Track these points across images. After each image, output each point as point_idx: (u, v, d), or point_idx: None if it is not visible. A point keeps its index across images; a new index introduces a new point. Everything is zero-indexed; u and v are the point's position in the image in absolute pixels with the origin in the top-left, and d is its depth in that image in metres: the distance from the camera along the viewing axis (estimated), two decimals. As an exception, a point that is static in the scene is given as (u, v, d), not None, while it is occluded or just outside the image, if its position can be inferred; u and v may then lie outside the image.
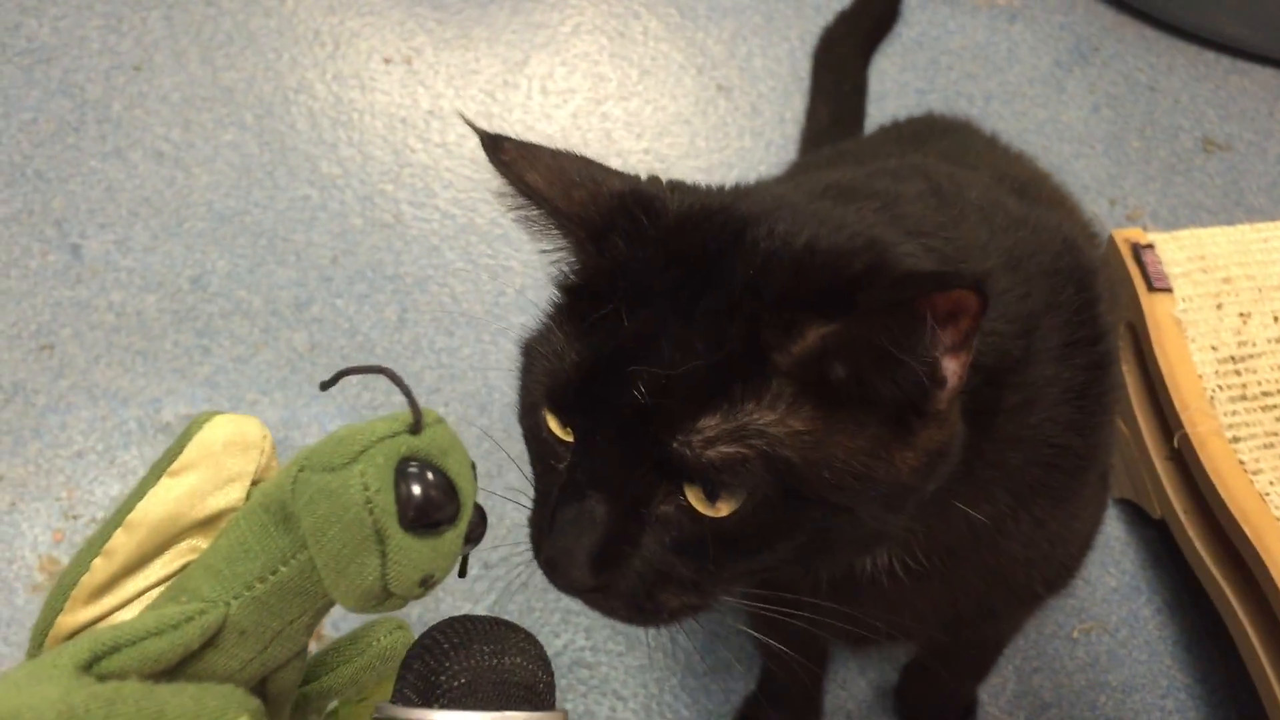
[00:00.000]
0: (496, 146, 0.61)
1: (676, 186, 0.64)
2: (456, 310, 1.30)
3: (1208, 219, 1.48)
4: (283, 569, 0.55)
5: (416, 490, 0.52)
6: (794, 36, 1.59)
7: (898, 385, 0.54)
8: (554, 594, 1.13)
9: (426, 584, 0.54)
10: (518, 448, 1.21)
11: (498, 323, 1.29)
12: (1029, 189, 0.85)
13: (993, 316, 0.60)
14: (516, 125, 1.45)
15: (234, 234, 1.32)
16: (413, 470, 0.52)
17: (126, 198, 1.32)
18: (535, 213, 0.62)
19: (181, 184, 1.34)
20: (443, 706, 0.52)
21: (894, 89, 1.56)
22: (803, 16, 1.61)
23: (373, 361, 1.25)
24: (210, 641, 0.54)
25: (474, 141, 1.41)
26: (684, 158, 1.46)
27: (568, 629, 1.12)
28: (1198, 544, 1.10)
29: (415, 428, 0.53)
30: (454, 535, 0.54)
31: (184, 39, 1.45)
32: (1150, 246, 1.17)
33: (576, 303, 0.62)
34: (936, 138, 1.02)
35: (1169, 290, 1.16)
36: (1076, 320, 0.69)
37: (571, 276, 0.64)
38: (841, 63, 1.53)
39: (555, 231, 0.63)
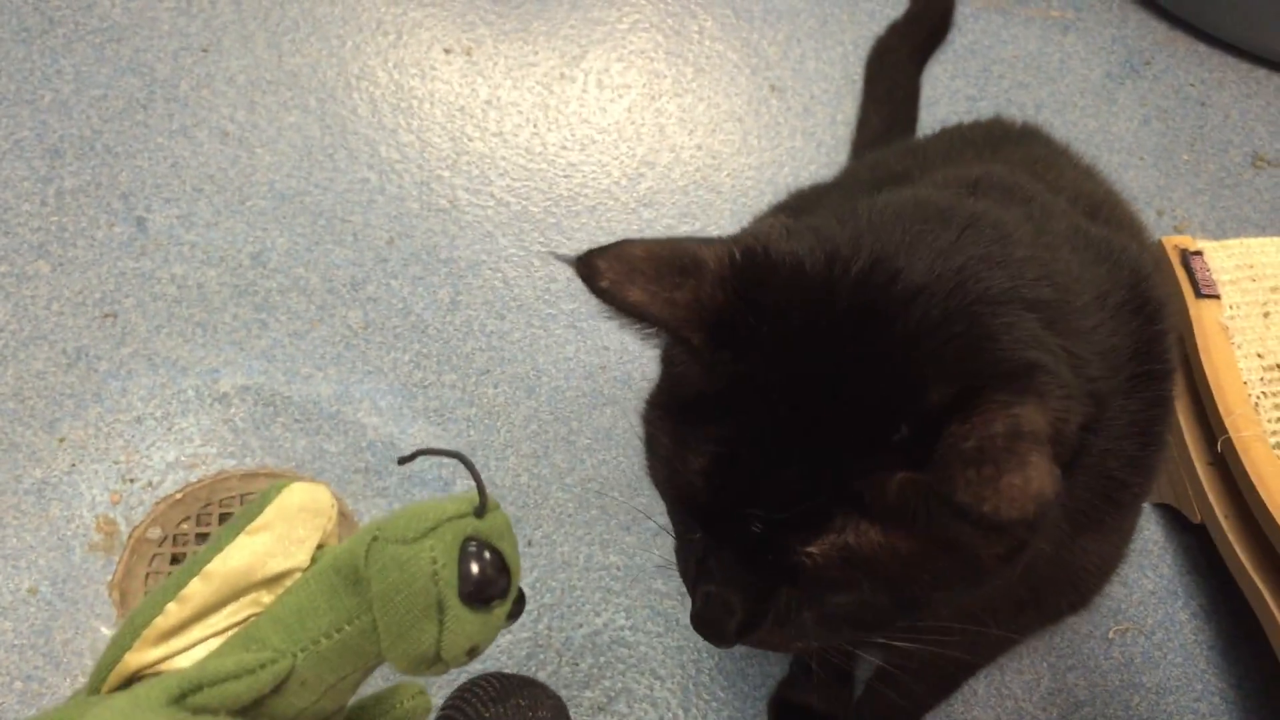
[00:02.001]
0: (592, 272, 0.59)
1: (774, 260, 0.62)
2: (508, 295, 1.32)
3: (1255, 233, 1.48)
4: (347, 628, 0.60)
5: (475, 568, 0.58)
6: (847, 40, 1.60)
7: None
8: (595, 573, 1.15)
9: (472, 654, 0.60)
10: (565, 429, 1.24)
11: (548, 309, 1.32)
12: (1101, 210, 0.85)
13: (1090, 359, 0.62)
14: (572, 118, 1.48)
15: (294, 213, 1.35)
16: (473, 550, 0.58)
17: (191, 174, 1.36)
18: (641, 327, 0.62)
19: (245, 163, 1.37)
20: None
21: (945, 95, 1.57)
22: (856, 21, 1.63)
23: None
24: (276, 688, 0.59)
25: (529, 132, 1.44)
26: (736, 154, 1.48)
27: (608, 608, 1.14)
28: (1238, 549, 1.11)
29: (480, 511, 0.60)
30: (502, 611, 0.60)
31: (251, 23, 1.49)
32: (1199, 253, 1.18)
33: (692, 403, 0.63)
34: (1012, 144, 1.01)
35: (1216, 297, 1.16)
36: (1144, 353, 0.70)
37: (682, 369, 0.65)
38: (895, 71, 1.55)
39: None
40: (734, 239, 0.62)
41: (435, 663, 0.59)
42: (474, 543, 0.58)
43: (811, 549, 0.58)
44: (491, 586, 0.58)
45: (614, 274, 0.59)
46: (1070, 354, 0.59)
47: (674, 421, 0.64)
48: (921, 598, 0.61)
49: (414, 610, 0.57)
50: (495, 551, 0.59)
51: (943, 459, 0.52)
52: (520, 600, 0.64)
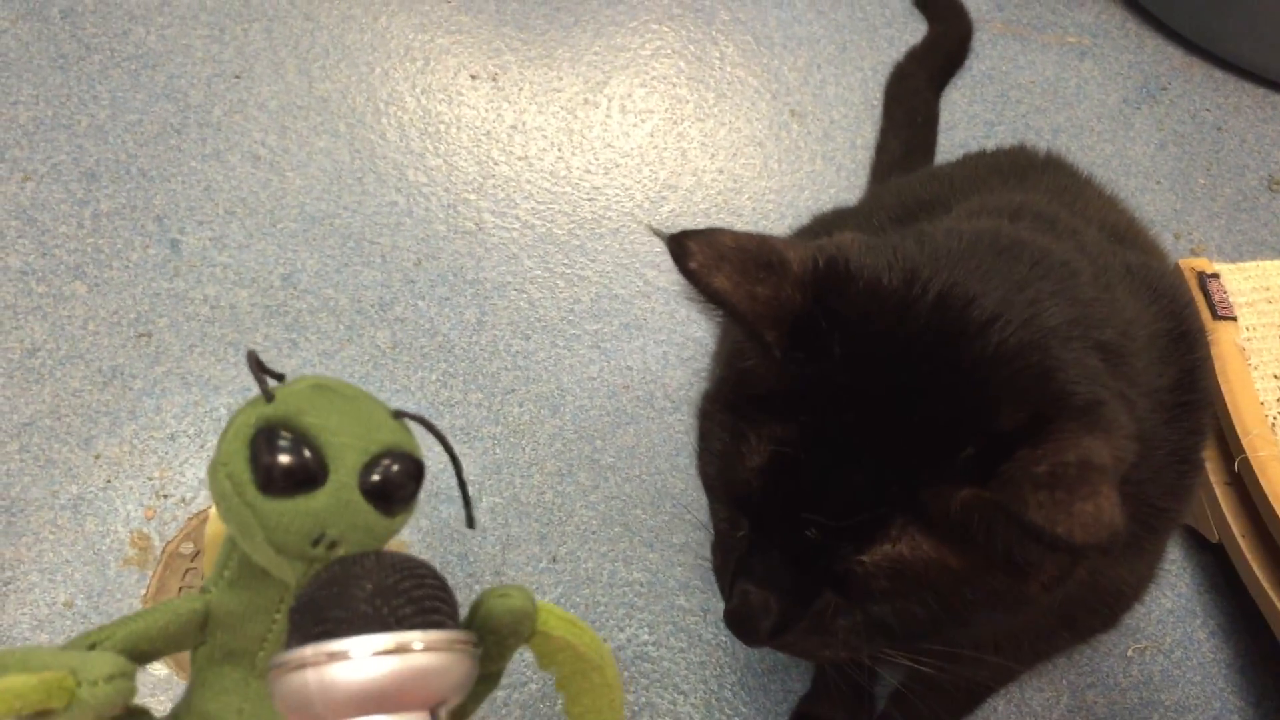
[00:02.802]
0: (683, 252, 0.60)
1: (854, 271, 0.63)
2: (533, 315, 1.35)
3: (1271, 256, 1.50)
4: (235, 552, 0.59)
5: (264, 455, 0.53)
6: (866, 66, 1.63)
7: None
8: (619, 589, 1.17)
9: (323, 543, 0.55)
10: (588, 448, 1.25)
11: (572, 329, 1.34)
12: (1125, 238, 0.87)
13: (1139, 401, 0.64)
14: (596, 142, 1.50)
15: (324, 235, 1.37)
16: (261, 437, 0.54)
17: (224, 197, 1.39)
18: (719, 314, 0.63)
19: (276, 186, 1.40)
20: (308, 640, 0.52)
21: (963, 120, 1.59)
22: (875, 48, 1.65)
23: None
24: (215, 623, 0.60)
25: (554, 156, 1.47)
26: (757, 178, 1.50)
27: (631, 624, 1.16)
28: (1255, 568, 1.12)
29: (267, 398, 0.55)
30: (332, 490, 0.55)
31: (283, 50, 1.52)
32: (1216, 276, 1.20)
33: (756, 400, 0.65)
34: (1037, 173, 1.02)
35: (1233, 319, 1.18)
36: (1184, 384, 0.72)
37: (751, 364, 0.66)
38: (913, 97, 1.57)
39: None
40: (818, 245, 0.64)
41: (308, 564, 0.55)
42: (264, 430, 0.54)
43: (863, 558, 0.60)
44: (295, 471, 0.53)
45: (703, 257, 0.60)
46: (1125, 398, 0.61)
47: (734, 417, 0.65)
48: (962, 615, 0.62)
49: (235, 518, 0.55)
50: (293, 432, 0.54)
51: (1013, 479, 0.54)
52: (400, 473, 0.57)
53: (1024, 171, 1.01)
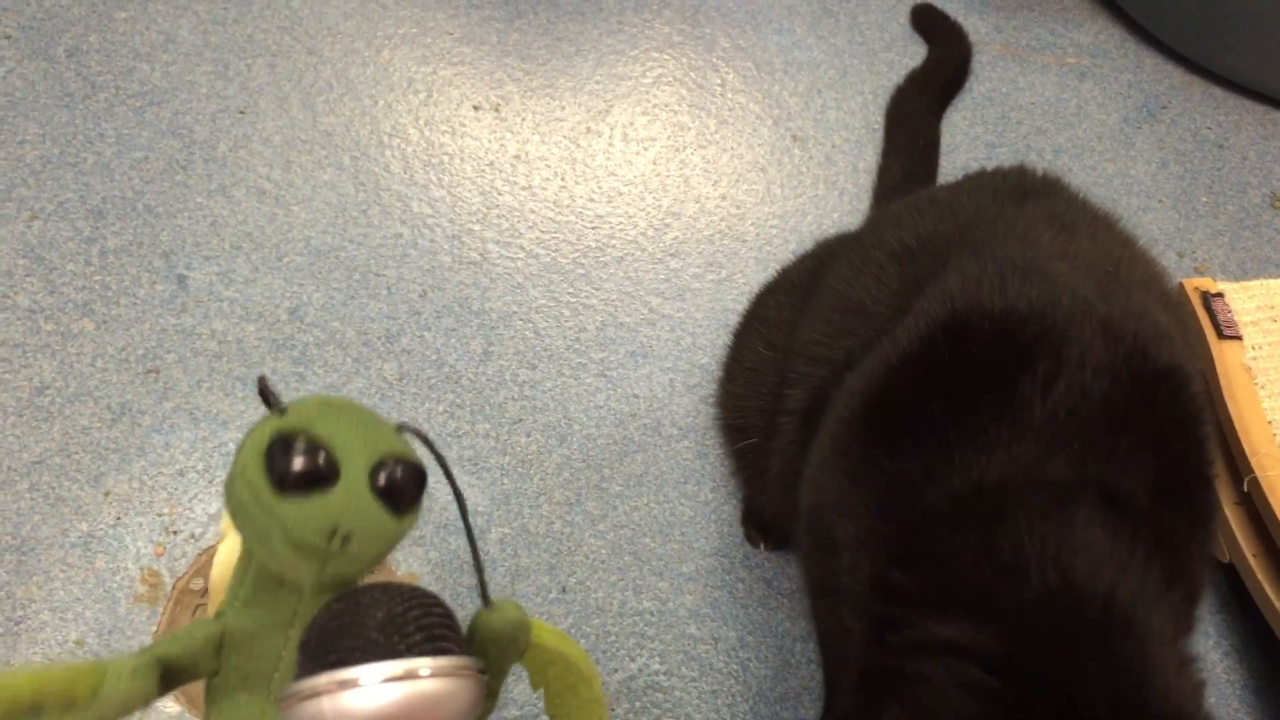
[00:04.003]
0: None
1: None
2: (539, 345, 1.35)
3: (1275, 274, 1.50)
4: (250, 570, 0.61)
5: (278, 457, 0.56)
6: (867, 91, 1.64)
7: None
8: (629, 618, 1.17)
9: (337, 537, 0.57)
10: (596, 476, 1.25)
11: (578, 358, 1.34)
12: (1120, 268, 0.86)
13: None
14: (599, 171, 1.51)
15: (329, 268, 1.38)
16: (277, 445, 0.57)
17: (230, 232, 1.39)
18: None
19: (281, 220, 1.41)
20: (325, 668, 0.53)
21: (964, 142, 1.60)
22: (875, 71, 1.66)
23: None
24: (231, 646, 0.61)
25: (558, 185, 1.47)
26: (760, 204, 1.50)
27: (643, 653, 1.15)
28: (1267, 587, 1.12)
29: (280, 411, 0.59)
30: (344, 488, 0.57)
31: (286, 85, 1.53)
32: (1220, 295, 1.20)
33: None
34: (1032, 197, 1.01)
35: (1239, 338, 1.18)
36: (1195, 475, 0.73)
37: None
38: (914, 120, 1.58)
39: None
40: None
41: (323, 563, 0.58)
42: (279, 437, 0.57)
43: None
44: (306, 470, 0.56)
45: None
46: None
47: None
48: None
49: (251, 522, 0.57)
50: (304, 437, 0.57)
51: None
52: (406, 475, 0.60)
53: (1021, 197, 1.01)
